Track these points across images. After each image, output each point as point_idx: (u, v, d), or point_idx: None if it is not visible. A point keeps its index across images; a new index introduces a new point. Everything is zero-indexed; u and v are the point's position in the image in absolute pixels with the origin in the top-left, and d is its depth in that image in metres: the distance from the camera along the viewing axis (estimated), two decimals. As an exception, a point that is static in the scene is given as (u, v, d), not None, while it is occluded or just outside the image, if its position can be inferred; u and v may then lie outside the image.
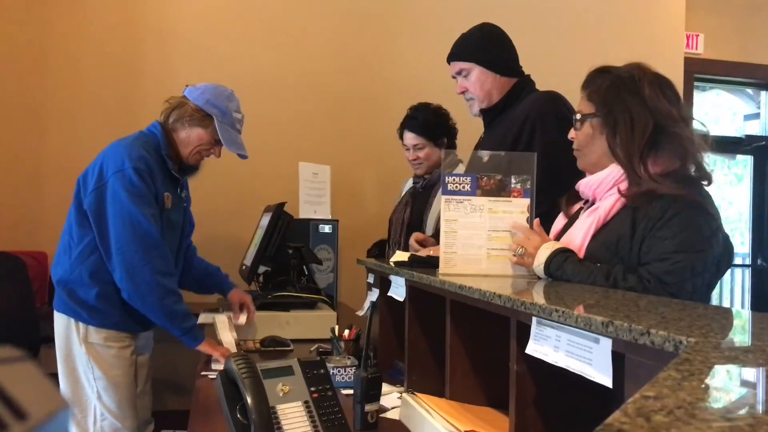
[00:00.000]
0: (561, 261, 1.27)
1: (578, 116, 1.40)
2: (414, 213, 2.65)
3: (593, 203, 1.37)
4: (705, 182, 1.30)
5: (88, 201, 1.94)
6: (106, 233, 1.92)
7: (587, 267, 1.25)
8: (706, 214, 1.23)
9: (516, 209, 1.42)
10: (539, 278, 1.36)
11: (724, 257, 1.27)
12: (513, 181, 1.42)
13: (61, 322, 2.01)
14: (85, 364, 1.97)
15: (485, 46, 1.98)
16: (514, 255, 1.40)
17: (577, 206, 1.47)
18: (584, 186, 1.39)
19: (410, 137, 2.64)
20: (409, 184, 2.83)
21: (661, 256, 1.20)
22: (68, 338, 1.99)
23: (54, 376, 2.09)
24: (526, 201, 1.42)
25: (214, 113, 2.04)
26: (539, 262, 1.31)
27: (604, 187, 1.33)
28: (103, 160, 1.97)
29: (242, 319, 2.21)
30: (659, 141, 1.28)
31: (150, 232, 1.88)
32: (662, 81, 1.35)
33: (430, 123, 2.61)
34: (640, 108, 1.30)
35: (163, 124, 2.06)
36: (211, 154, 2.13)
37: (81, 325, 1.97)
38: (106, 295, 1.96)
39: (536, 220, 1.40)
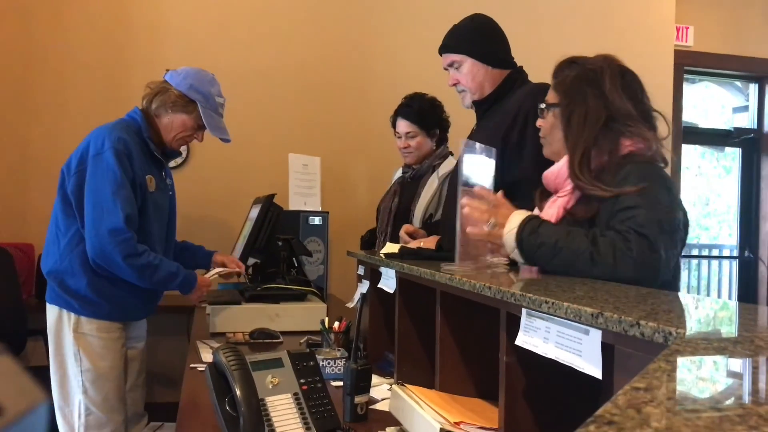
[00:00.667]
0: (536, 225, 1.24)
1: (543, 105, 1.43)
2: (401, 203, 2.64)
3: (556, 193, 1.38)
4: (663, 165, 1.33)
5: (71, 185, 1.93)
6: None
7: (564, 227, 1.23)
8: (664, 187, 1.24)
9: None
10: (509, 262, 1.34)
11: (682, 230, 1.27)
12: None
13: (52, 313, 1.99)
14: (74, 356, 1.95)
15: (477, 37, 1.97)
16: (486, 227, 1.31)
17: (550, 200, 1.47)
18: (546, 178, 1.41)
19: (403, 125, 2.63)
20: (400, 173, 2.82)
21: (631, 213, 1.19)
22: (59, 330, 1.97)
23: (41, 369, 2.07)
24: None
25: (197, 99, 2.03)
26: (511, 227, 1.26)
27: (562, 176, 1.34)
28: (84, 145, 1.96)
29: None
30: (605, 135, 1.30)
31: (118, 218, 1.86)
32: (626, 74, 1.36)
33: (424, 112, 2.61)
34: (598, 101, 1.32)
35: (145, 110, 2.05)
36: (194, 138, 2.12)
37: (72, 315, 1.96)
38: (97, 285, 1.95)
39: (500, 192, 1.35)
